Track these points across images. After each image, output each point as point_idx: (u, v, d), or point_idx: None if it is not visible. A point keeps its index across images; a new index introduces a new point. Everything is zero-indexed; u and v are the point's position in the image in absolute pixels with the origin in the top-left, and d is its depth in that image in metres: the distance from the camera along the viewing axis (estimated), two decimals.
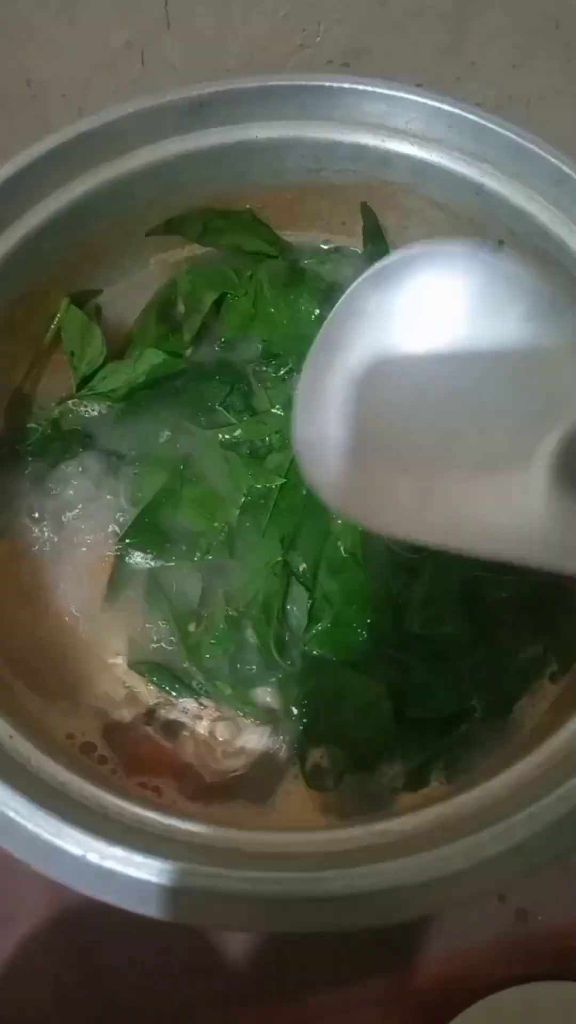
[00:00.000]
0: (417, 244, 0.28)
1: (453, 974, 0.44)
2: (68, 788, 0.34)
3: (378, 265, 0.28)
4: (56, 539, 0.44)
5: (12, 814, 0.31)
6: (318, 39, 0.58)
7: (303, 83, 0.46)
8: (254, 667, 0.41)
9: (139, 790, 0.39)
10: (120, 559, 0.43)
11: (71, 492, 0.44)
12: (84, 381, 0.47)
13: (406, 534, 0.29)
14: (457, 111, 0.45)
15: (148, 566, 0.43)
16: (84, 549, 0.44)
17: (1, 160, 0.43)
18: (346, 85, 0.46)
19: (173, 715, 0.41)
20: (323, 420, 0.28)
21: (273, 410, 0.46)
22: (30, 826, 0.31)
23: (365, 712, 0.40)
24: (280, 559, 0.42)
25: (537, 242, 0.45)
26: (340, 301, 0.29)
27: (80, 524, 0.44)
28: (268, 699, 0.41)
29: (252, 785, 0.40)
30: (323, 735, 0.40)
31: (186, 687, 0.41)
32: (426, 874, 0.30)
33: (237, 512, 0.43)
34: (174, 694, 0.41)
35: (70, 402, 0.47)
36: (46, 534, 0.44)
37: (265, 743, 0.40)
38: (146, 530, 0.43)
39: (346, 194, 0.50)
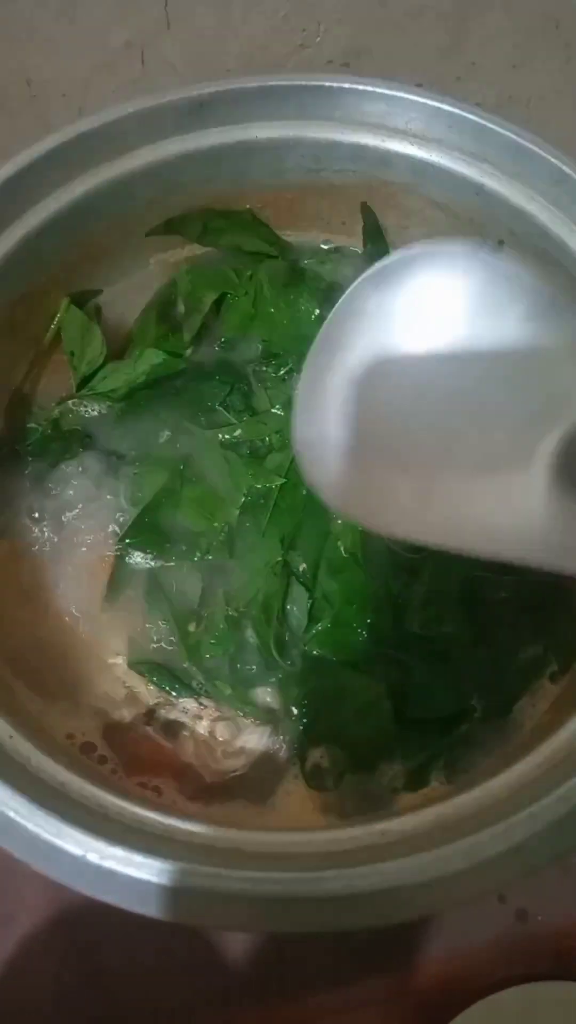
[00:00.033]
0: (417, 244, 0.28)
1: (453, 974, 0.44)
2: (68, 788, 0.34)
3: (378, 265, 0.28)
4: (56, 539, 0.44)
5: (12, 814, 0.31)
6: (318, 39, 0.58)
7: (303, 83, 0.46)
8: (254, 667, 0.41)
9: (139, 790, 0.39)
10: (120, 559, 0.43)
11: (71, 492, 0.44)
12: (84, 381, 0.47)
13: (406, 534, 0.29)
14: (457, 111, 0.45)
15: (148, 566, 0.43)
16: (84, 549, 0.44)
17: (1, 160, 0.43)
18: (346, 85, 0.46)
19: (173, 715, 0.41)
20: (323, 420, 0.28)
21: (273, 410, 0.46)
22: (30, 826, 0.31)
23: (365, 712, 0.40)
24: (280, 559, 0.42)
25: (537, 242, 0.45)
26: (340, 301, 0.29)
27: (80, 524, 0.44)
28: (268, 699, 0.41)
29: (252, 785, 0.40)
30: (323, 735, 0.40)
31: (186, 687, 0.41)
32: (426, 874, 0.30)
33: (237, 512, 0.43)
34: (174, 694, 0.41)
35: (70, 402, 0.47)
36: (46, 534, 0.44)
37: (265, 743, 0.40)
38: (146, 530, 0.43)
39: (346, 194, 0.50)
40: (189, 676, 0.41)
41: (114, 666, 0.42)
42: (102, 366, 0.47)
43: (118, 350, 0.48)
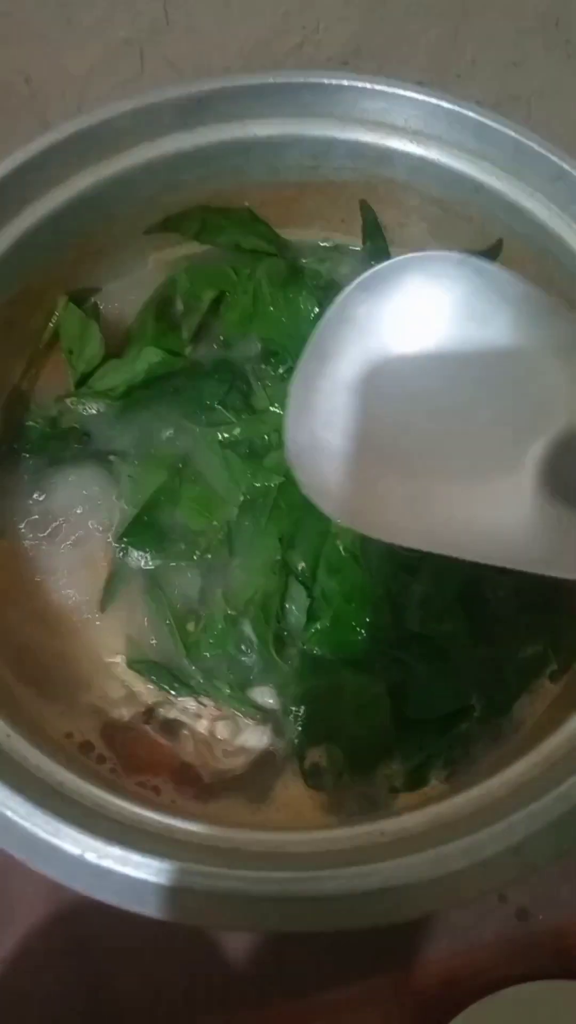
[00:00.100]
0: (407, 253, 0.28)
1: (453, 973, 0.44)
2: (66, 787, 0.34)
3: (368, 273, 0.28)
4: (54, 538, 0.44)
5: (10, 813, 0.31)
6: (318, 37, 0.58)
7: (302, 80, 0.46)
8: (253, 666, 0.41)
9: (138, 789, 0.39)
10: (119, 558, 0.43)
11: (69, 491, 0.44)
12: (82, 379, 0.47)
13: (399, 540, 0.29)
14: (456, 108, 0.45)
15: (147, 565, 0.43)
16: (82, 548, 0.43)
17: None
18: (345, 83, 0.46)
19: (172, 714, 0.41)
20: (315, 427, 0.28)
21: (272, 408, 0.46)
22: (28, 825, 0.31)
23: (364, 711, 0.39)
24: (279, 558, 0.42)
25: (536, 239, 0.45)
26: (330, 309, 0.29)
27: (78, 523, 0.44)
28: (267, 698, 0.41)
29: (251, 784, 0.40)
30: (322, 734, 0.40)
31: (185, 686, 0.41)
32: (426, 874, 0.30)
33: (236, 511, 0.43)
34: (173, 693, 0.41)
35: (68, 400, 0.47)
36: (44, 533, 0.44)
37: (264, 742, 0.40)
38: (145, 529, 0.43)
39: (345, 192, 0.50)
40: (188, 675, 0.41)
41: (113, 665, 0.42)
42: (100, 364, 0.47)
43: (116, 348, 0.48)
